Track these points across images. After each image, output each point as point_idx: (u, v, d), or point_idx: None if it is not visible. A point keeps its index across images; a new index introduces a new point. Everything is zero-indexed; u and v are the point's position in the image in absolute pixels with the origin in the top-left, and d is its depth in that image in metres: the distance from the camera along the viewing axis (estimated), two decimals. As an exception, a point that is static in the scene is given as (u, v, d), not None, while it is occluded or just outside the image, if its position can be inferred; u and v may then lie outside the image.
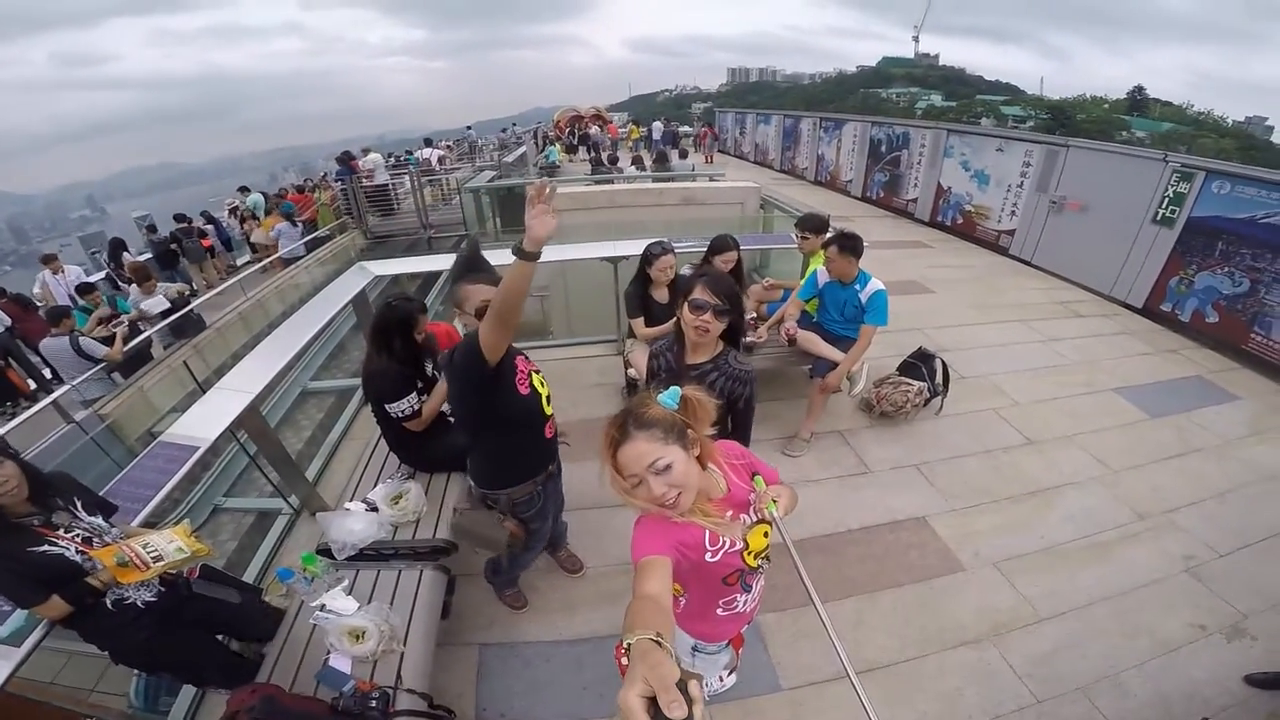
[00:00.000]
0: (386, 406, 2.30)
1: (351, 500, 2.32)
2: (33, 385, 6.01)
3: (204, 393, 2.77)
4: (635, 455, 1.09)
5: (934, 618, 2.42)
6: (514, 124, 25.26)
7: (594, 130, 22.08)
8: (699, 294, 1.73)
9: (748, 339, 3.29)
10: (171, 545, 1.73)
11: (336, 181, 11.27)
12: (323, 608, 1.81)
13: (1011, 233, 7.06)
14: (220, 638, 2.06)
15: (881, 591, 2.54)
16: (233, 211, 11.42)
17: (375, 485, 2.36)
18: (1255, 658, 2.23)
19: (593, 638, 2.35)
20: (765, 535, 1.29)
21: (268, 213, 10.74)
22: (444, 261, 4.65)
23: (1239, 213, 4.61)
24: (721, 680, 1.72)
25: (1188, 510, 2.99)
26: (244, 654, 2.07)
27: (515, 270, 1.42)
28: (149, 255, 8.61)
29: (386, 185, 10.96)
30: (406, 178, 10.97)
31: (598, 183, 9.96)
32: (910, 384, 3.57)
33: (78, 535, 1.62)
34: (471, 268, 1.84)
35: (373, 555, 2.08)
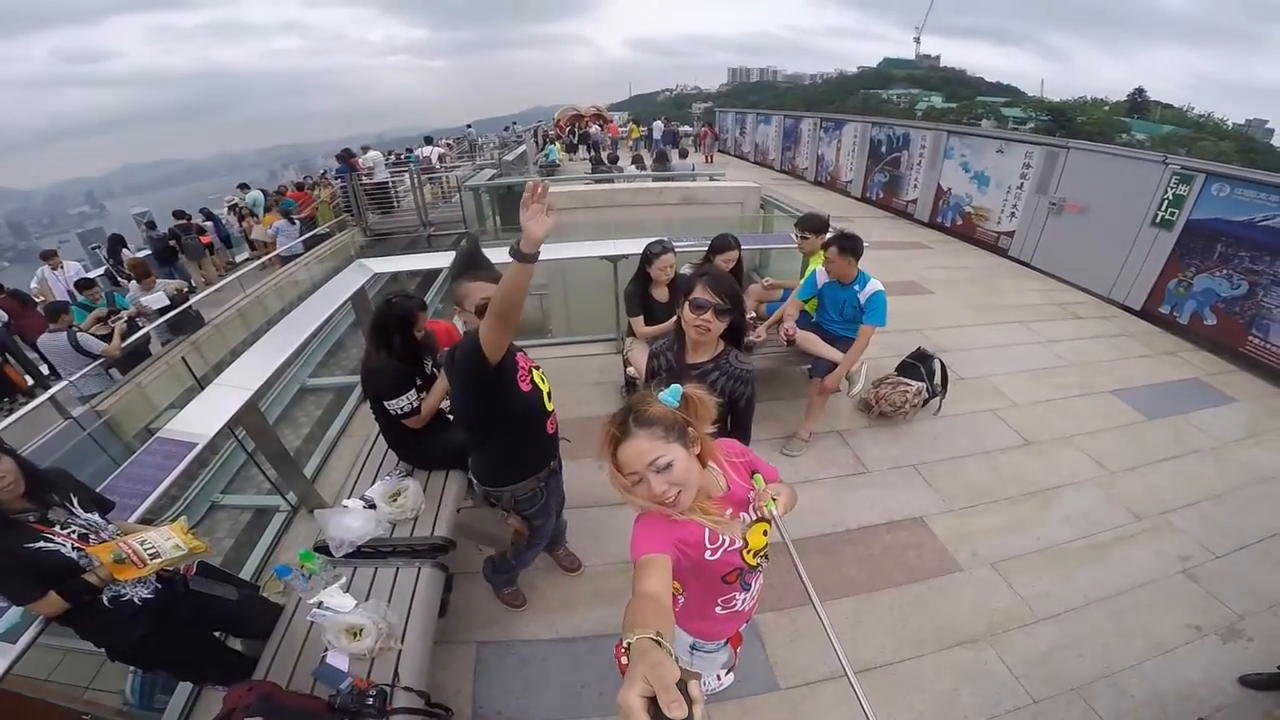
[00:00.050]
0: (385, 403, 2.30)
1: (349, 497, 2.32)
2: (30, 381, 6.00)
3: (202, 389, 2.77)
4: (636, 453, 1.09)
5: (931, 618, 2.42)
6: (514, 122, 25.22)
7: (594, 129, 22.08)
8: (700, 293, 1.72)
9: (747, 338, 3.30)
10: (169, 542, 1.73)
11: (336, 179, 11.25)
12: (320, 605, 1.81)
13: (1011, 234, 7.06)
14: (217, 634, 2.06)
15: (879, 591, 2.55)
16: (232, 209, 11.40)
17: (373, 482, 2.36)
18: (1250, 659, 2.24)
19: (591, 636, 2.35)
20: (764, 534, 1.29)
21: (268, 210, 10.73)
22: (443, 259, 4.64)
23: (1238, 215, 4.61)
24: (719, 679, 1.72)
25: (1184, 512, 3.00)
26: (244, 652, 2.07)
27: (513, 272, 1.41)
28: (148, 252, 8.59)
29: (386, 183, 10.93)
30: (406, 175, 10.96)
31: (598, 182, 9.96)
32: (909, 384, 3.57)
33: (74, 532, 1.62)
34: (471, 265, 1.84)
35: (370, 552, 2.08)
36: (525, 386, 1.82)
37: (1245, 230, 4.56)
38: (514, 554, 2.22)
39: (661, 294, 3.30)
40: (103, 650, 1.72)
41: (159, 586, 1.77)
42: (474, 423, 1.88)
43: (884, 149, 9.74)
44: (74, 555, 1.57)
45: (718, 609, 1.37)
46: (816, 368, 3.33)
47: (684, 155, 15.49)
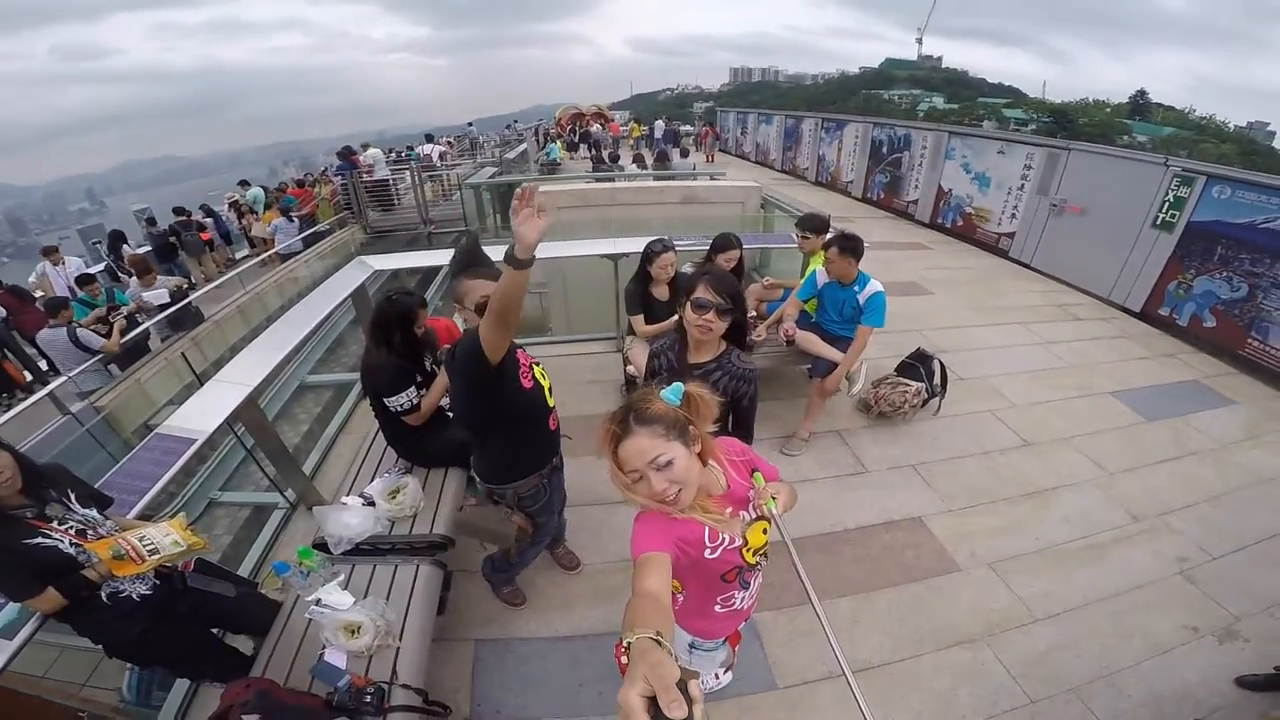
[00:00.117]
0: (385, 400, 2.30)
1: (348, 494, 2.32)
2: (29, 377, 5.99)
3: (202, 385, 2.76)
4: (637, 451, 1.09)
5: (929, 618, 2.42)
6: (515, 121, 25.21)
7: (595, 128, 22.08)
8: (702, 293, 1.71)
9: (748, 338, 3.30)
10: (167, 538, 1.73)
11: (337, 176, 11.25)
12: (318, 602, 1.81)
13: (1011, 235, 7.06)
14: (215, 631, 2.06)
15: (877, 591, 2.55)
16: (233, 205, 11.40)
17: (372, 479, 2.36)
18: (1247, 659, 2.24)
19: (589, 635, 2.35)
20: (764, 532, 1.29)
21: (268, 207, 10.72)
22: (444, 257, 4.64)
23: (1239, 217, 4.61)
24: (718, 678, 1.73)
25: (1182, 513, 3.01)
26: (243, 649, 2.07)
27: (509, 277, 1.39)
28: (148, 248, 8.59)
29: (387, 180, 10.93)
30: (407, 173, 10.95)
31: (599, 180, 9.95)
32: (908, 384, 3.57)
33: (72, 527, 1.61)
34: (471, 262, 1.84)
35: (369, 550, 2.08)
36: (527, 383, 1.82)
37: (1246, 233, 4.56)
38: (517, 552, 2.21)
39: (662, 292, 3.30)
40: (100, 647, 1.72)
41: (157, 583, 1.77)
42: (476, 420, 1.88)
43: (885, 149, 9.73)
44: (72, 551, 1.57)
45: (717, 607, 1.37)
46: (816, 367, 3.33)
47: (685, 154, 15.50)
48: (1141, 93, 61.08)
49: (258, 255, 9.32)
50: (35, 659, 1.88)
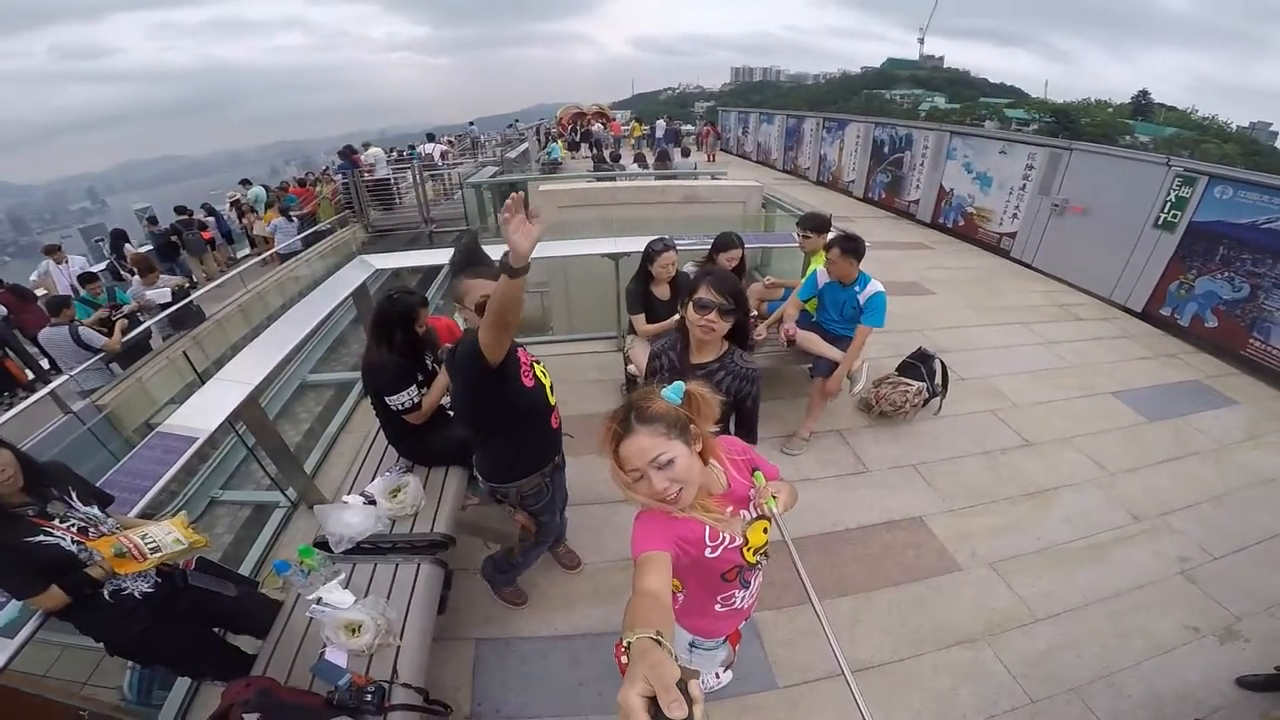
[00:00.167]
0: (386, 399, 2.30)
1: (349, 493, 2.32)
2: (30, 375, 6.01)
3: (203, 384, 2.77)
4: (638, 450, 1.09)
5: (930, 617, 2.42)
6: (517, 120, 25.23)
7: (597, 127, 22.06)
8: (704, 293, 1.71)
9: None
10: (169, 536, 1.73)
11: (338, 175, 11.27)
12: (319, 601, 1.81)
13: (1013, 235, 7.05)
14: (217, 630, 2.06)
15: (878, 591, 2.55)
16: (234, 205, 11.42)
17: (373, 478, 2.36)
18: (1248, 660, 2.24)
19: (590, 634, 2.35)
20: (765, 531, 1.29)
21: (269, 206, 10.74)
22: (445, 256, 4.64)
23: (1241, 218, 4.60)
24: (718, 677, 1.73)
25: (1183, 513, 3.00)
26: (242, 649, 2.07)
27: (506, 285, 1.38)
28: (149, 247, 8.60)
29: (388, 179, 10.95)
30: (409, 172, 10.97)
31: (600, 180, 9.95)
32: (909, 384, 3.57)
33: (73, 525, 1.62)
34: (470, 262, 1.83)
35: (370, 549, 2.08)
36: (528, 382, 1.82)
37: (1248, 233, 4.55)
38: (521, 552, 2.21)
39: (663, 292, 3.30)
40: (102, 645, 1.73)
41: (159, 581, 1.77)
42: (477, 419, 1.88)
43: (886, 149, 9.72)
44: (73, 549, 1.57)
45: (717, 606, 1.37)
46: (817, 367, 3.33)
47: (686, 154, 15.50)
48: (1144, 93, 60.98)
49: (259, 254, 9.33)
50: (36, 658, 1.89)
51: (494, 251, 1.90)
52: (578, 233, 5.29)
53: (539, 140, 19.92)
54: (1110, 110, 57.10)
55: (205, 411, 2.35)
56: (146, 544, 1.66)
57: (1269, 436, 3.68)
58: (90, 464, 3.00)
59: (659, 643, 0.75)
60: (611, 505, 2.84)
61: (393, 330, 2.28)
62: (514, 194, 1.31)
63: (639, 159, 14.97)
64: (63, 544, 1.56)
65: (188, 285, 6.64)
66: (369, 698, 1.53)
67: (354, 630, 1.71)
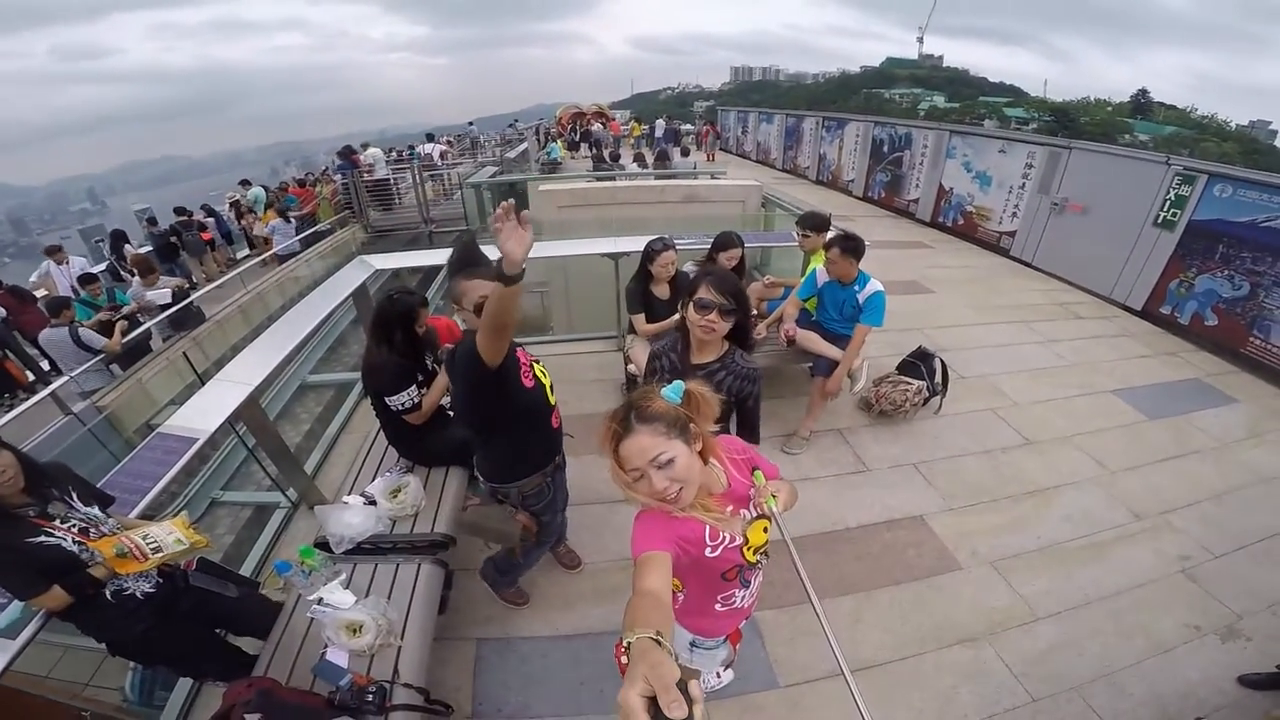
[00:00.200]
0: (386, 399, 2.30)
1: (350, 494, 2.32)
2: (31, 376, 6.01)
3: (203, 385, 2.77)
4: (638, 449, 1.09)
5: (930, 616, 2.42)
6: (516, 120, 25.23)
7: (596, 127, 22.04)
8: (704, 293, 1.70)
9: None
10: (170, 536, 1.73)
11: (337, 175, 11.27)
12: (320, 601, 1.82)
13: (1012, 234, 7.05)
14: (218, 632, 2.06)
15: (879, 590, 2.55)
16: (233, 205, 11.43)
17: (374, 479, 2.36)
18: (1249, 658, 2.24)
19: (590, 633, 2.35)
20: (765, 531, 1.29)
21: (268, 207, 10.74)
22: (445, 256, 4.64)
23: (1240, 216, 4.60)
24: (719, 676, 1.73)
25: (1184, 511, 3.00)
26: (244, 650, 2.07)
27: (501, 293, 1.37)
28: (149, 248, 8.60)
29: (387, 180, 10.95)
30: (408, 172, 10.97)
31: (599, 179, 9.95)
32: (909, 383, 3.57)
33: (74, 526, 1.62)
34: (468, 262, 1.83)
35: (370, 549, 2.08)
36: (528, 383, 1.81)
37: (1247, 231, 4.55)
38: (522, 552, 2.21)
39: (662, 291, 3.30)
40: (104, 646, 1.73)
41: (160, 581, 1.77)
42: (478, 420, 1.87)
43: (886, 148, 9.72)
44: (75, 549, 1.57)
45: (717, 606, 1.37)
46: (818, 366, 3.33)
47: (685, 153, 15.50)
48: (1143, 92, 60.89)
49: (258, 255, 9.33)
50: (38, 659, 1.89)
51: (492, 252, 1.90)
52: (577, 232, 5.29)
53: (538, 140, 19.92)
54: (1109, 109, 57.05)
55: (205, 412, 2.35)
56: (148, 544, 1.66)
57: (1269, 435, 3.68)
58: (91, 465, 3.00)
59: (659, 643, 0.75)
60: (611, 504, 2.84)
61: (393, 330, 2.28)
62: (504, 202, 1.29)
63: (638, 159, 14.98)
64: (64, 544, 1.56)
65: (187, 286, 6.64)
66: (370, 698, 1.53)
67: (355, 630, 1.71)
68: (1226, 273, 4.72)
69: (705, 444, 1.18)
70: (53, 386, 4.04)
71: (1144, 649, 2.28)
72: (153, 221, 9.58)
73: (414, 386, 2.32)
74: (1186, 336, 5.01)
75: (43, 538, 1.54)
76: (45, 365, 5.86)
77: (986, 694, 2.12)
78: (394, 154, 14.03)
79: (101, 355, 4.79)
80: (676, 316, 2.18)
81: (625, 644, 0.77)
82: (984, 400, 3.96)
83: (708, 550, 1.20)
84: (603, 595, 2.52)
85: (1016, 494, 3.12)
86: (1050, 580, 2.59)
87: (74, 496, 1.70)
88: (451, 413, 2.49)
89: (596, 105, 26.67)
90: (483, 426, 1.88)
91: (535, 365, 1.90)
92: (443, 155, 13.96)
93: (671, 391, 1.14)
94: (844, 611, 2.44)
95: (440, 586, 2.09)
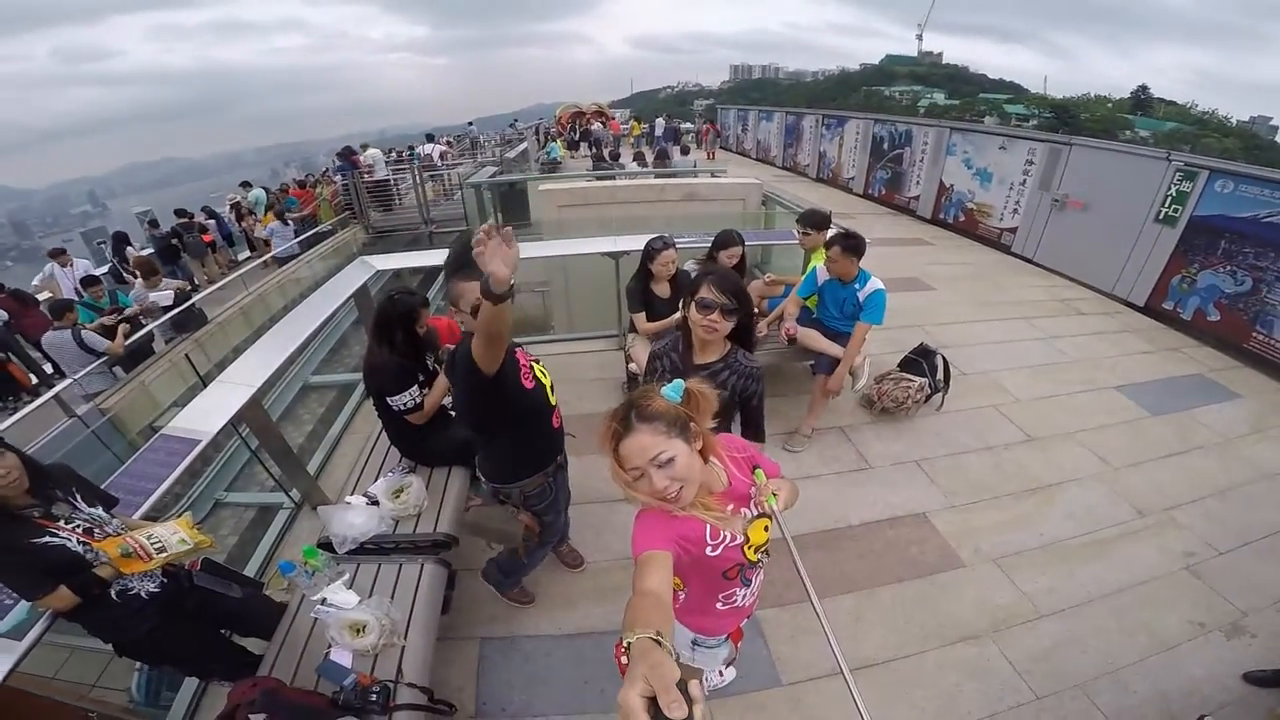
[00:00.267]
0: (388, 399, 2.30)
1: (353, 494, 2.33)
2: (34, 379, 6.02)
3: (206, 387, 2.77)
4: (638, 448, 1.09)
5: (933, 614, 2.42)
6: (516, 120, 25.23)
7: (596, 126, 22.03)
8: (706, 293, 1.69)
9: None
10: (174, 537, 1.74)
11: (337, 176, 11.28)
12: (324, 601, 1.82)
13: (1014, 230, 7.04)
14: (224, 632, 2.07)
15: (881, 587, 2.55)
16: (234, 207, 11.44)
17: (376, 479, 2.37)
18: (1254, 655, 2.23)
19: (593, 632, 2.35)
20: (765, 529, 1.29)
21: (269, 208, 10.75)
22: (445, 256, 4.64)
23: (1242, 212, 4.59)
24: (721, 674, 1.73)
25: (1188, 508, 3.00)
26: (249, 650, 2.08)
27: (491, 311, 1.35)
28: (150, 250, 8.61)
29: (387, 180, 10.95)
30: (408, 173, 10.98)
31: (599, 179, 9.95)
32: (911, 380, 3.57)
33: (78, 526, 1.63)
34: (465, 264, 1.83)
35: (374, 549, 2.09)
36: (528, 384, 1.81)
37: (1249, 226, 4.54)
38: (526, 552, 2.21)
39: (663, 290, 3.30)
40: (110, 646, 1.73)
41: (164, 581, 1.78)
42: (479, 422, 1.88)
43: (886, 146, 9.71)
44: (79, 549, 1.58)
45: (718, 605, 1.37)
46: (819, 364, 3.33)
47: (685, 152, 15.47)
48: (1143, 88, 60.62)
49: (260, 257, 9.35)
50: (45, 660, 1.90)
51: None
52: (577, 232, 5.29)
53: (538, 140, 19.92)
54: (1110, 105, 56.88)
55: (208, 414, 2.35)
56: (152, 544, 1.67)
57: (1273, 430, 3.67)
58: (95, 466, 3.00)
59: (659, 643, 0.75)
60: (612, 504, 2.84)
61: (394, 331, 2.28)
62: (484, 225, 1.26)
63: (638, 157, 14.97)
64: (69, 545, 1.57)
65: (189, 288, 6.65)
66: (374, 698, 1.54)
67: (359, 630, 1.71)
68: (1229, 268, 4.70)
69: (705, 442, 1.18)
70: (56, 389, 4.05)
71: (1148, 646, 2.28)
72: (154, 224, 9.60)
73: (415, 386, 2.33)
74: (1189, 332, 5.00)
75: (47, 538, 1.55)
76: (48, 368, 5.87)
77: (990, 692, 2.12)
78: (394, 154, 14.03)
79: (104, 357, 4.80)
80: (677, 315, 2.17)
81: (625, 644, 0.77)
82: (986, 397, 3.95)
83: (708, 549, 1.20)
84: (605, 594, 2.52)
85: (1019, 491, 3.11)
86: (1053, 577, 2.59)
87: (78, 497, 1.71)
88: (453, 413, 2.49)
89: (596, 104, 26.65)
90: (483, 428, 1.88)
91: (535, 366, 1.90)
92: (443, 155, 13.97)
93: (671, 390, 1.14)
94: (846, 609, 2.44)
95: (443, 586, 2.09)
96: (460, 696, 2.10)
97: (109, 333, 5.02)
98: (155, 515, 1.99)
